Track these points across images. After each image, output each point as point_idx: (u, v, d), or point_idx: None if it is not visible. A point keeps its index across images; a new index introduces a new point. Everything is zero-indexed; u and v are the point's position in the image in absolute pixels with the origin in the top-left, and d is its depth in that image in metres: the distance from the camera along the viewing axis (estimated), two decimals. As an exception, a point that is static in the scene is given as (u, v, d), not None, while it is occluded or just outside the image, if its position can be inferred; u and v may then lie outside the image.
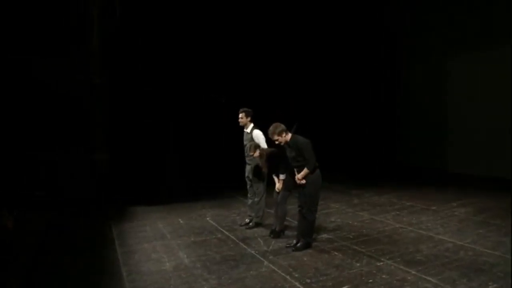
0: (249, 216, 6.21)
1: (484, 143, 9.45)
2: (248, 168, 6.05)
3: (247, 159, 6.01)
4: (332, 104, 12.36)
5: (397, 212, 6.68)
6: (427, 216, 6.36)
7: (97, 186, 8.64)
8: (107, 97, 9.15)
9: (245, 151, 5.95)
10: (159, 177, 9.97)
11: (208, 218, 6.79)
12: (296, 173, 4.95)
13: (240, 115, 5.92)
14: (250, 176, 6.01)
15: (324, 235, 5.56)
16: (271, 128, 4.89)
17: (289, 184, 5.33)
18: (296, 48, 11.63)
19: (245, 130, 5.97)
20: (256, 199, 6.05)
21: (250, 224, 6.12)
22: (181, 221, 6.66)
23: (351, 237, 5.47)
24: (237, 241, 5.47)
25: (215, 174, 11.05)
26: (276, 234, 5.55)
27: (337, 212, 6.86)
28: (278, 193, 5.51)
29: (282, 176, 5.39)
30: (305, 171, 4.82)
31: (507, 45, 8.84)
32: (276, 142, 4.94)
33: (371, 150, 12.46)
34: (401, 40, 11.77)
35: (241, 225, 6.18)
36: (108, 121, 9.26)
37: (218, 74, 10.79)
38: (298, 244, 5.02)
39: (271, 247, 5.15)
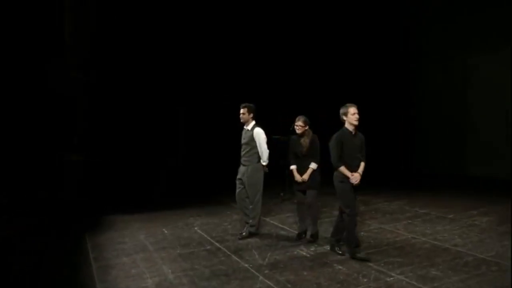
0: (246, 222, 6.17)
1: (505, 143, 9.45)
2: (242, 169, 6.00)
3: (243, 159, 5.98)
4: (330, 104, 12.47)
5: (409, 221, 6.62)
6: (443, 225, 6.30)
7: (71, 191, 8.57)
8: (85, 93, 9.18)
9: (243, 150, 5.93)
10: (141, 182, 9.94)
11: (196, 228, 6.73)
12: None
13: (242, 111, 5.91)
14: (244, 179, 5.94)
15: (326, 246, 5.49)
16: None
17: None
18: (308, 48, 12.04)
19: (245, 127, 5.97)
20: (250, 206, 5.99)
21: (243, 233, 6.05)
22: (166, 231, 6.58)
23: (356, 249, 5.38)
24: (229, 253, 5.41)
25: (205, 178, 11.07)
26: (316, 236, 5.73)
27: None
28: (303, 192, 5.70)
29: (314, 165, 5.62)
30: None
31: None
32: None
33: (382, 153, 12.47)
34: (418, 41, 11.90)
35: (240, 238, 6.04)
36: (85, 120, 9.26)
37: (210, 74, 11.19)
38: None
39: (267, 260, 5.09)
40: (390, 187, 9.67)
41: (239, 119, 6.02)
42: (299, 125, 5.64)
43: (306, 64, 12.20)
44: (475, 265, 4.68)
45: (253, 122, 5.94)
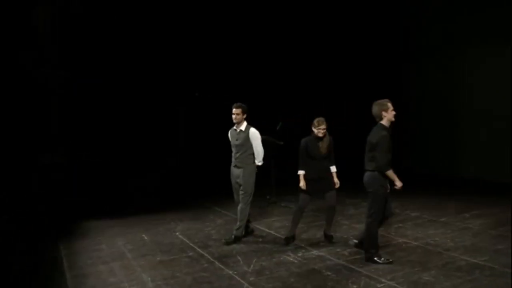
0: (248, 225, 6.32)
1: (502, 145, 9.57)
2: (236, 172, 6.07)
3: (236, 161, 6.05)
4: (330, 104, 12.69)
5: (400, 224, 6.67)
6: (436, 228, 6.37)
7: (43, 195, 8.48)
8: (60, 91, 9.14)
9: (237, 151, 6.01)
10: (119, 184, 9.87)
11: (177, 233, 6.69)
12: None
13: (237, 111, 5.96)
14: (240, 181, 6.02)
15: (315, 252, 5.51)
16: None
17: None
18: (304, 47, 12.26)
19: (237, 128, 6.03)
20: (241, 205, 6.03)
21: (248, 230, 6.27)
22: (145, 237, 6.54)
23: (346, 254, 5.42)
24: (212, 259, 5.39)
25: (187, 181, 11.03)
26: (330, 238, 5.85)
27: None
28: (309, 195, 5.75)
29: (335, 168, 5.77)
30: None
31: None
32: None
33: (361, 154, 12.55)
34: (416, 40, 12.00)
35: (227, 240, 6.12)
36: (58, 120, 9.21)
37: (210, 73, 11.49)
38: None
39: (252, 267, 5.08)
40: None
41: (231, 119, 6.06)
42: (322, 128, 5.63)
43: (303, 63, 12.41)
44: (468, 269, 4.73)
45: (245, 123, 6.02)
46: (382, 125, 4.97)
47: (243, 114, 5.98)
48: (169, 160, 11.38)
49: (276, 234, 6.41)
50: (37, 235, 6.90)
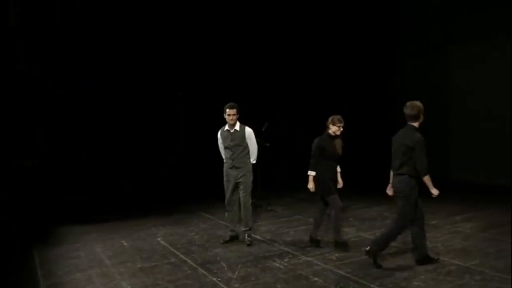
0: (232, 230, 6.33)
1: (493, 147, 9.70)
2: (234, 172, 6.11)
3: (234, 162, 6.09)
4: (316, 103, 12.82)
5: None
6: (426, 232, 6.40)
7: (17, 199, 8.37)
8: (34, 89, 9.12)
9: (233, 152, 6.07)
10: (98, 188, 9.79)
11: (159, 239, 6.65)
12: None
13: (233, 111, 6.04)
14: (242, 182, 6.10)
15: (302, 257, 5.51)
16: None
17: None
18: (287, 44, 12.45)
19: (230, 128, 6.11)
20: (247, 206, 6.17)
21: (249, 239, 6.20)
22: (125, 243, 6.49)
23: (334, 258, 5.43)
24: (195, 266, 5.36)
25: (169, 184, 10.98)
26: (344, 245, 5.76)
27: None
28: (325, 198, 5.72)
29: (339, 168, 5.80)
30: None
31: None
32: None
33: (359, 155, 12.62)
34: (401, 37, 12.16)
35: (223, 242, 6.25)
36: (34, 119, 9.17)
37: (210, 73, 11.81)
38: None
39: (237, 273, 5.06)
40: (370, 192, 9.77)
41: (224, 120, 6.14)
42: (341, 126, 5.64)
43: (296, 64, 12.67)
44: (458, 274, 4.77)
45: (238, 122, 6.13)
46: (415, 127, 4.97)
47: (237, 114, 6.06)
48: (169, 160, 11.64)
49: (261, 238, 6.40)
50: (8, 241, 6.78)
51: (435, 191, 4.89)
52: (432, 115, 11.08)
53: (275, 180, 10.47)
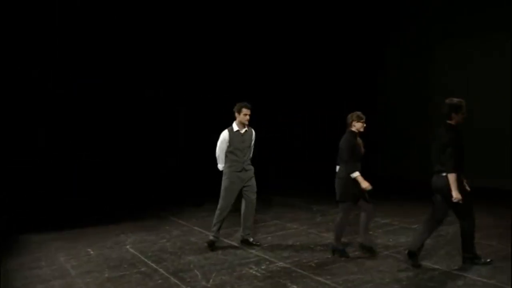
0: (216, 237, 6.36)
1: (477, 147, 9.89)
2: (245, 175, 6.21)
3: (245, 165, 6.18)
4: (296, 105, 13.12)
5: (370, 232, 6.75)
6: (407, 236, 6.51)
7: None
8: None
9: (244, 154, 6.16)
10: (61, 192, 9.62)
11: (128, 246, 6.59)
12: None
13: (249, 112, 6.10)
14: (250, 187, 6.25)
15: (280, 263, 5.51)
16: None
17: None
18: (284, 44, 12.77)
19: (241, 130, 6.14)
20: (254, 209, 6.36)
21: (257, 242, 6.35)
22: (92, 252, 6.40)
23: (313, 265, 5.45)
24: (167, 275, 5.32)
25: (139, 188, 10.89)
26: (371, 249, 5.74)
27: (296, 234, 6.87)
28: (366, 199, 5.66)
29: (356, 174, 5.55)
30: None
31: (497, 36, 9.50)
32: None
33: (308, 158, 12.77)
34: (385, 38, 12.37)
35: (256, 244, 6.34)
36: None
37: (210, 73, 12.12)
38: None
39: (211, 281, 5.03)
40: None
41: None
42: (364, 122, 5.61)
43: (291, 64, 12.98)
44: (440, 280, 4.84)
45: None
46: (451, 125, 5.06)
47: None
48: (169, 160, 11.85)
49: (237, 245, 6.39)
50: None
51: (456, 194, 4.90)
52: (415, 116, 11.40)
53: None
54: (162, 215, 8.41)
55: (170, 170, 11.51)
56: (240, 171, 6.15)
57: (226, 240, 6.63)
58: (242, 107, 6.07)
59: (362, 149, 5.67)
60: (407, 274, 5.02)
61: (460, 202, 4.86)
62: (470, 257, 5.18)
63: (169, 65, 11.65)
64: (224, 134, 6.14)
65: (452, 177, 4.87)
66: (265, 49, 12.52)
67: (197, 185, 10.87)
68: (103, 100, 10.87)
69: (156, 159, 11.53)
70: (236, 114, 6.12)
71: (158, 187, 11.04)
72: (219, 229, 6.28)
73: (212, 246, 6.23)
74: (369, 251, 5.74)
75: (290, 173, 12.20)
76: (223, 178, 6.24)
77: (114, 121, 11.04)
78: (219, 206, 6.22)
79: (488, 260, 5.18)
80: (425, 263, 5.32)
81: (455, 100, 5.07)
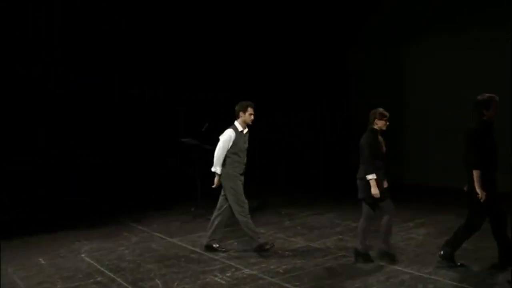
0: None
1: (449, 148, 10.11)
2: (242, 179, 6.19)
3: (244, 168, 6.16)
4: (316, 103, 13.24)
5: (340, 236, 6.86)
6: (377, 240, 6.59)
7: None
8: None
9: (244, 156, 6.12)
10: (9, 195, 9.44)
11: (83, 255, 6.49)
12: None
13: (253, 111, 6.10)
14: None
15: (246, 270, 5.50)
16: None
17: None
18: (283, 44, 13.15)
19: (244, 130, 6.10)
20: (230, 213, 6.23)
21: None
22: (43, 261, 6.28)
23: (281, 271, 5.46)
24: (126, 285, 5.26)
25: (95, 191, 10.75)
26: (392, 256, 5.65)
27: (263, 239, 6.85)
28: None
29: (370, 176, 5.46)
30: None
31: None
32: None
33: (312, 159, 12.85)
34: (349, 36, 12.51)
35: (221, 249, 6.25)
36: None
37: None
38: None
39: (173, 292, 4.98)
40: (320, 198, 9.96)
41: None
42: (388, 119, 5.58)
43: (290, 64, 13.25)
44: (411, 284, 4.92)
45: None
46: (483, 122, 5.10)
47: None
48: (170, 160, 12.14)
49: (201, 251, 6.34)
50: None
51: (481, 192, 4.95)
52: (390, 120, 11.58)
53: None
54: (121, 221, 8.31)
55: (138, 173, 11.52)
56: (242, 174, 6.11)
57: (190, 247, 6.57)
58: (248, 106, 6.01)
59: (384, 148, 5.63)
60: (377, 279, 5.08)
61: (483, 200, 4.95)
62: (447, 255, 5.27)
63: (169, 65, 12.08)
64: (231, 134, 6.00)
65: (479, 173, 4.98)
66: (265, 50, 12.95)
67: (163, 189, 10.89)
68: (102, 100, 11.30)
69: (129, 161, 11.70)
70: (241, 113, 6.03)
71: (121, 190, 10.90)
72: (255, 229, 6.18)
73: (271, 246, 6.15)
74: (390, 258, 5.65)
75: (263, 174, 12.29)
76: (227, 180, 6.05)
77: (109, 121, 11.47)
78: (239, 211, 6.06)
79: (459, 263, 5.29)
80: (396, 267, 5.40)
81: (486, 96, 5.13)
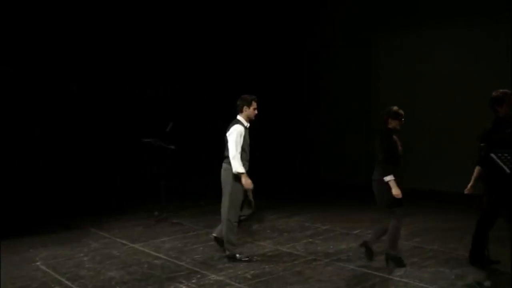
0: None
1: (424, 149, 10.33)
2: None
3: (247, 165, 5.98)
4: (229, 104, 13.10)
5: (310, 239, 6.90)
6: (348, 243, 6.67)
7: None
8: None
9: (246, 153, 5.97)
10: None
11: (39, 263, 6.32)
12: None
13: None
14: None
15: (213, 276, 5.47)
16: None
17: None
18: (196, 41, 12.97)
19: (247, 126, 6.00)
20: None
21: None
22: (-6, 270, 6.10)
23: (249, 276, 5.45)
24: (85, 294, 5.17)
25: (51, 195, 10.52)
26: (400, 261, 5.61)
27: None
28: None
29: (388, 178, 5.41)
30: None
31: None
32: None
33: (279, 160, 12.90)
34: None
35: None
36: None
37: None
38: None
39: (135, 300, 4.91)
40: (289, 200, 10.00)
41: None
42: (402, 118, 5.51)
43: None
44: (382, 286, 5.00)
45: None
46: (499, 118, 5.18)
47: None
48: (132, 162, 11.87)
49: (165, 257, 6.28)
50: None
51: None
52: (351, 116, 11.74)
53: (180, 189, 10.36)
54: (80, 226, 8.14)
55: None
56: (247, 171, 5.94)
57: (154, 253, 6.49)
58: (252, 100, 5.94)
59: (400, 148, 5.56)
60: (348, 283, 5.14)
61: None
62: (477, 259, 5.35)
63: (169, 65, 12.11)
64: (241, 129, 5.86)
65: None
66: (265, 49, 13.07)
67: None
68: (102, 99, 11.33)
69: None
70: (245, 108, 5.93)
71: (79, 194, 10.69)
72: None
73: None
74: (397, 263, 5.61)
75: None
76: (235, 181, 5.85)
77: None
78: (231, 217, 5.93)
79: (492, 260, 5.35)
80: (367, 271, 5.46)
81: (500, 92, 5.20)
